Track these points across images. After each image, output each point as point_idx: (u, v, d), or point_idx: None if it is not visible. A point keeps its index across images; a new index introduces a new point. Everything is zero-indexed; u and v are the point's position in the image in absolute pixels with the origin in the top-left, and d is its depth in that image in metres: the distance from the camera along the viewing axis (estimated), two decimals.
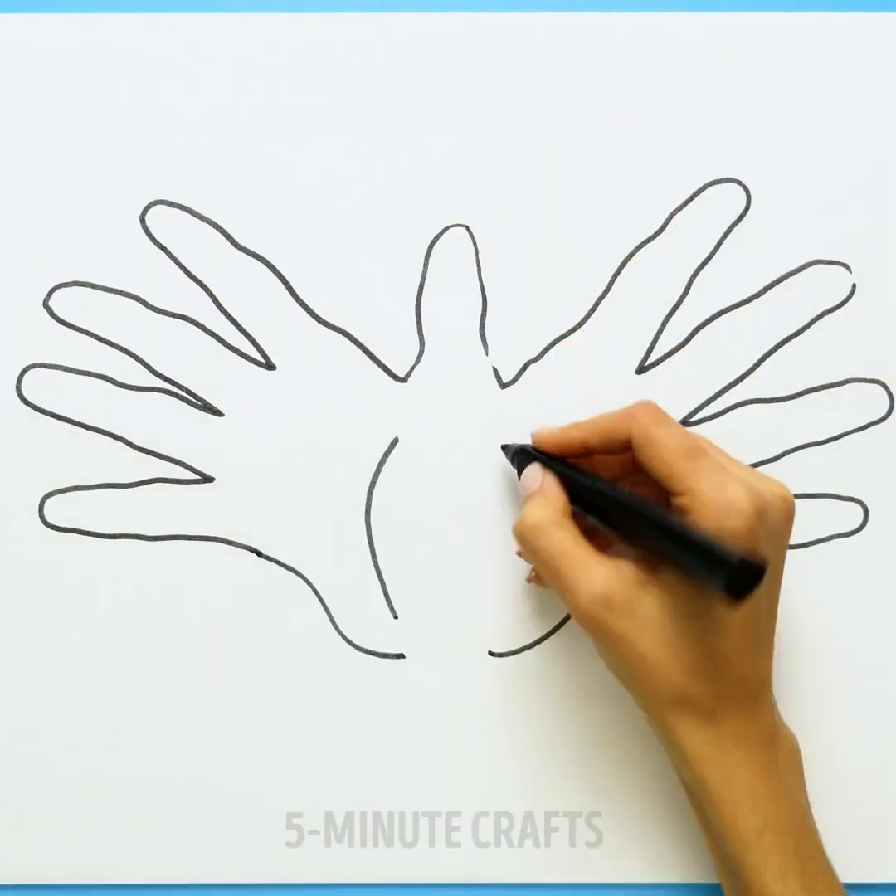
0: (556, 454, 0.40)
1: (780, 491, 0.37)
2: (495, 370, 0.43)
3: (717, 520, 0.34)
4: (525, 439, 0.42)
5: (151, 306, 0.43)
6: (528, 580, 0.43)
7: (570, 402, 0.43)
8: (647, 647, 0.35)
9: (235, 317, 0.43)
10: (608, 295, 0.43)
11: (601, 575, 0.36)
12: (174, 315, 0.43)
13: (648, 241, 0.43)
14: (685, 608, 0.35)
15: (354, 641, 0.43)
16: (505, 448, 0.42)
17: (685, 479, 0.35)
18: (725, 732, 0.36)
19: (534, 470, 0.39)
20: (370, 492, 0.43)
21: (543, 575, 0.38)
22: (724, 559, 0.31)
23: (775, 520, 0.36)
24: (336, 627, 0.43)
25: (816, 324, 0.43)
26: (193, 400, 0.43)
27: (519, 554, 0.41)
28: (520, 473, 0.41)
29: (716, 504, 0.34)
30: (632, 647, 0.35)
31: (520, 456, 0.41)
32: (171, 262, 0.43)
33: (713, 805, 0.37)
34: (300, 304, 0.43)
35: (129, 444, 0.43)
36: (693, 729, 0.36)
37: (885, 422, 0.43)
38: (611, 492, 0.37)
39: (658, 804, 0.43)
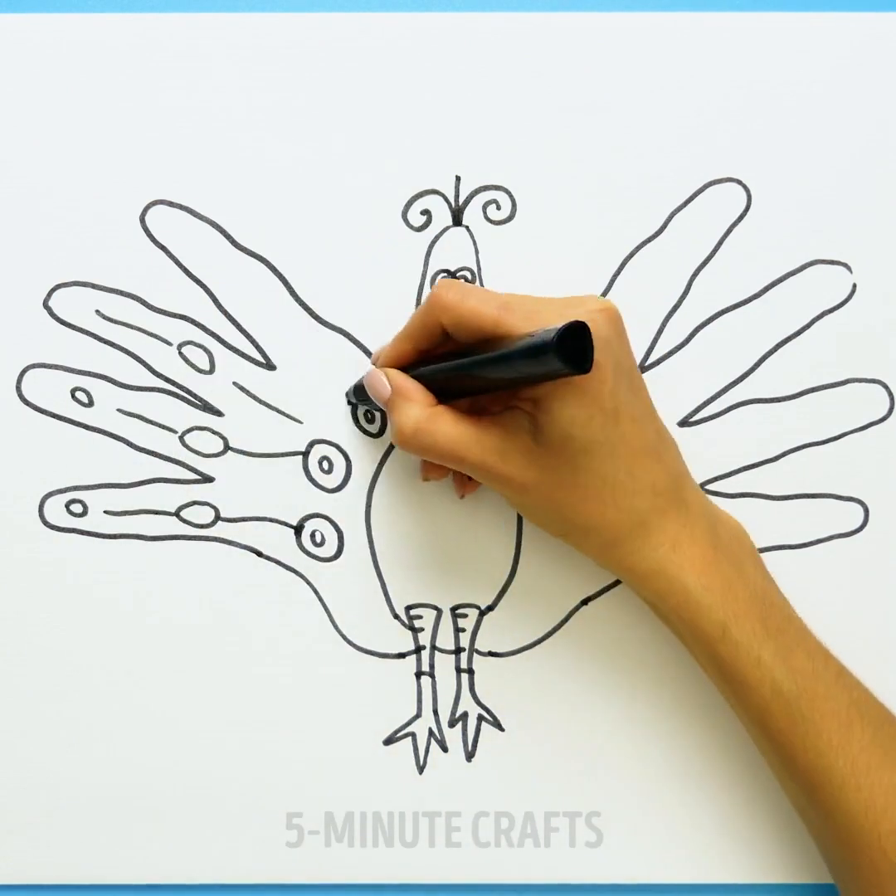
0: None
1: (598, 304, 0.37)
2: None
3: None
4: None
5: (151, 306, 0.43)
6: (424, 479, 0.42)
7: None
8: (548, 491, 0.37)
9: (235, 317, 0.43)
10: (608, 295, 0.43)
11: (496, 435, 0.36)
12: (174, 315, 0.43)
13: (648, 241, 0.43)
14: (568, 445, 0.36)
15: (354, 641, 0.43)
16: (348, 396, 0.43)
17: (500, 326, 0.36)
18: (660, 543, 0.38)
19: (374, 374, 0.39)
20: (370, 492, 0.43)
21: (451, 466, 0.37)
22: (550, 334, 0.31)
23: (602, 332, 0.36)
24: (336, 627, 0.43)
25: (816, 324, 0.43)
26: (193, 400, 0.43)
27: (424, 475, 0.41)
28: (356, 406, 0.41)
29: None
30: (539, 492, 0.37)
31: (360, 390, 0.41)
32: (171, 262, 0.43)
33: (676, 613, 0.38)
34: (300, 304, 0.43)
35: (129, 444, 0.43)
36: (631, 551, 0.38)
37: (885, 422, 0.43)
38: (448, 363, 0.37)
39: (658, 804, 0.43)
